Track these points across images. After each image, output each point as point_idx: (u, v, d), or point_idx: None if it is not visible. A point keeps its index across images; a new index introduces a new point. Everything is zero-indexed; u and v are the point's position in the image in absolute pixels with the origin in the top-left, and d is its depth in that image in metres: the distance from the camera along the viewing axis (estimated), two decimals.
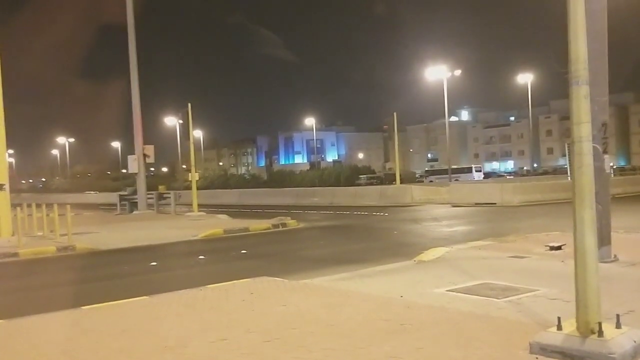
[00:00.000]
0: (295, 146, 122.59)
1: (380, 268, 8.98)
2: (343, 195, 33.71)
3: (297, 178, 57.59)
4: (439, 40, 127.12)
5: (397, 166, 40.34)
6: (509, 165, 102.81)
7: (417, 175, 65.28)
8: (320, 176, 56.34)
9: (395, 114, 38.85)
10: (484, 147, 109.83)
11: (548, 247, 9.67)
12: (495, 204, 24.64)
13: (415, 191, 30.33)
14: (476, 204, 25.03)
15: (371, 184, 51.60)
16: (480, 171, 59.47)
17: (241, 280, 8.20)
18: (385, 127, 42.25)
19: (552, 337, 4.43)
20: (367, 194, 32.81)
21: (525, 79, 66.42)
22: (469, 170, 59.60)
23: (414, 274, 8.35)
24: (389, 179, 53.73)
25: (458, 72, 53.14)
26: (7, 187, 15.19)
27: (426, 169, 69.75)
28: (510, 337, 4.92)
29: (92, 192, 65.60)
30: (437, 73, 51.00)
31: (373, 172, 63.52)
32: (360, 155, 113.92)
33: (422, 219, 20.25)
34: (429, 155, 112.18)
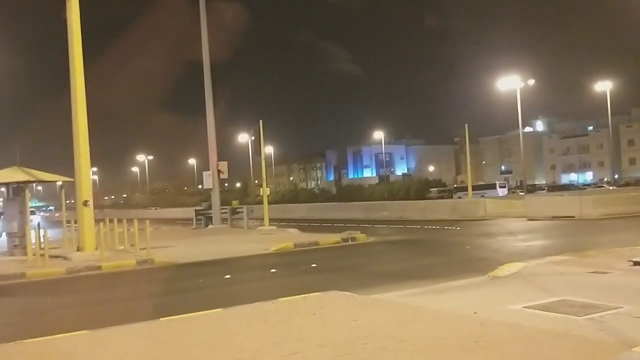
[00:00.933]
0: (364, 160, 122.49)
1: (452, 284, 8.82)
2: (413, 209, 33.29)
3: (366, 192, 57.33)
4: (511, 50, 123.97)
5: (469, 179, 39.58)
6: (588, 176, 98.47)
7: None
8: (390, 190, 55.85)
9: (466, 125, 38.28)
10: (561, 158, 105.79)
11: (632, 263, 9.20)
12: (573, 217, 23.68)
13: (488, 204, 29.58)
14: (553, 217, 24.13)
15: (442, 197, 50.63)
16: (504, 187, 58.44)
17: (312, 294, 8.26)
18: (456, 139, 41.63)
19: (637, 357, 4.22)
20: (438, 208, 32.28)
21: (604, 86, 63.55)
22: (493, 186, 58.59)
23: (489, 289, 8.14)
24: (460, 192, 52.59)
25: (531, 82, 51.53)
26: (91, 203, 16.00)
27: (455, 185, 67.91)
28: (591, 357, 4.72)
29: (152, 208, 68.51)
30: (510, 83, 49.70)
31: (444, 185, 62.43)
32: (431, 169, 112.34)
33: (496, 233, 19.72)
34: (503, 168, 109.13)
